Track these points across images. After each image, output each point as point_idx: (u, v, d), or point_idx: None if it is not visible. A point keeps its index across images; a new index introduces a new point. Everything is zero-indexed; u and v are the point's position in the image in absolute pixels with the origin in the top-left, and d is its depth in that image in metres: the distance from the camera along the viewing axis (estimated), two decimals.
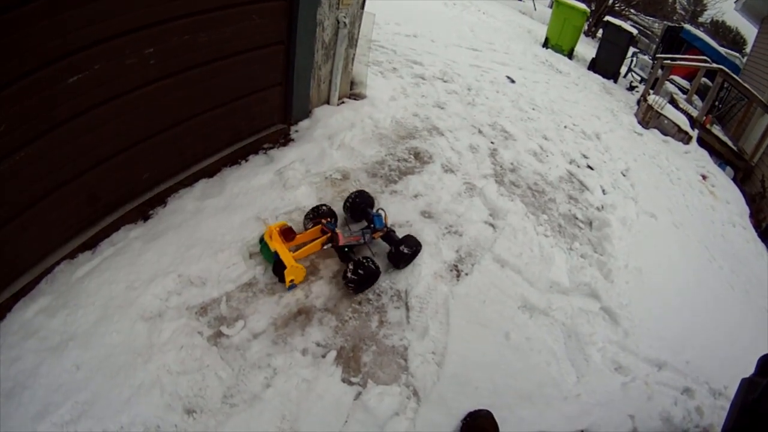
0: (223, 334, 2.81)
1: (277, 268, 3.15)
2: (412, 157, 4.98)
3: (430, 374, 2.95)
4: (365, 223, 3.77)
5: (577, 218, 5.05)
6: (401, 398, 2.79)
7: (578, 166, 6.26)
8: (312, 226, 3.51)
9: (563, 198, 5.33)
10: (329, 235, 3.42)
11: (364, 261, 3.25)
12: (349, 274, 3.21)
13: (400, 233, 3.72)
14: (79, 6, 2.46)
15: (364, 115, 5.29)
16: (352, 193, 3.81)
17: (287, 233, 3.25)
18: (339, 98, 5.32)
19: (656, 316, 4.11)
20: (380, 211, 3.71)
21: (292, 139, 4.62)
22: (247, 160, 4.23)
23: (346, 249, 3.44)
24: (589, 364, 3.44)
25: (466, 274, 3.74)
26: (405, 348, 3.06)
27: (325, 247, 3.43)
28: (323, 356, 2.86)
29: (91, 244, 3.10)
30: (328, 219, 3.56)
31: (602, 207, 5.41)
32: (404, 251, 3.52)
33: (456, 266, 3.79)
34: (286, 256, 3.09)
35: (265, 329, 2.91)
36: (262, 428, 2.46)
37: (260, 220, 3.60)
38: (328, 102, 5.23)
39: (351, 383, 2.78)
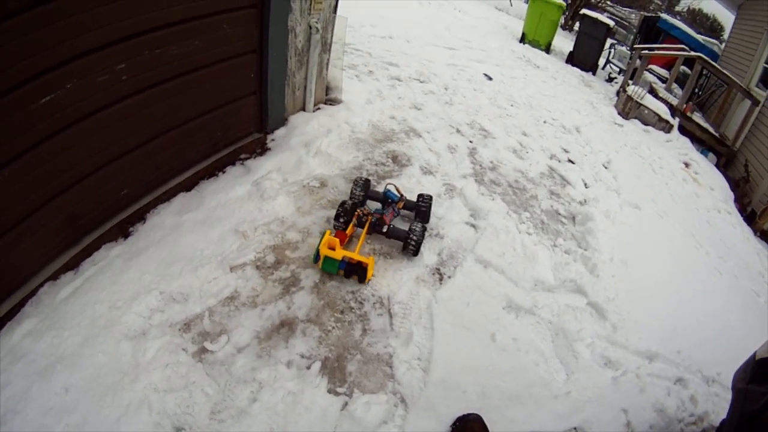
0: (207, 349, 2.78)
1: (352, 270, 3.36)
2: (390, 160, 4.98)
3: (416, 380, 2.92)
4: (379, 204, 4.13)
5: (559, 214, 5.03)
6: (388, 406, 2.76)
7: (559, 161, 6.26)
8: (352, 220, 3.77)
9: (545, 194, 5.32)
10: (370, 221, 3.75)
11: (415, 227, 3.72)
12: (412, 243, 3.66)
13: None
14: (47, 25, 2.42)
15: (341, 120, 5.30)
16: (359, 184, 4.06)
17: (339, 237, 3.44)
18: (315, 104, 5.31)
19: (645, 308, 4.08)
20: (389, 187, 4.09)
21: (269, 148, 4.61)
22: (224, 172, 4.21)
23: (392, 226, 3.77)
24: (578, 360, 3.41)
25: (449, 277, 3.71)
26: (390, 355, 3.04)
27: (371, 234, 3.83)
28: (308, 368, 2.82)
29: (73, 265, 3.08)
30: (364, 208, 3.82)
31: (585, 201, 5.40)
32: (425, 207, 4.07)
33: (438, 269, 3.76)
34: (358, 256, 3.36)
35: (248, 343, 2.88)
36: None
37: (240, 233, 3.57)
38: (303, 109, 5.21)
39: (337, 393, 2.75)
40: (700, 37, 16.61)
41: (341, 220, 3.71)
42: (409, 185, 4.58)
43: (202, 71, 3.63)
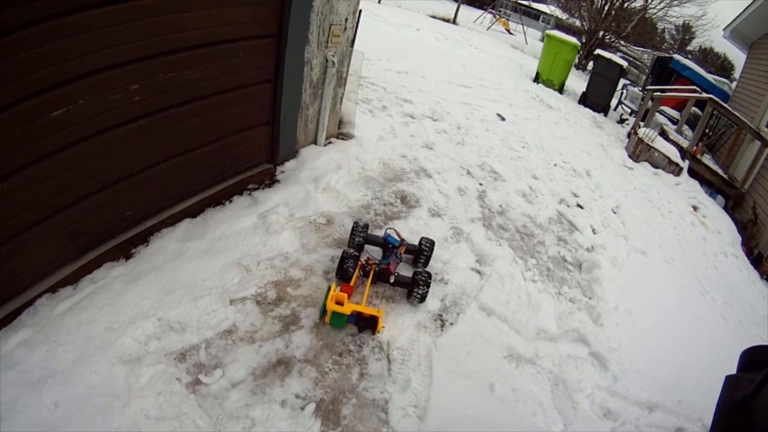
0: (201, 381, 2.78)
1: (364, 322, 3.32)
2: (398, 200, 5.00)
3: (411, 428, 2.90)
4: (379, 248, 4.07)
5: (566, 260, 5.05)
6: None
7: (568, 206, 6.29)
8: (356, 272, 3.66)
9: (552, 240, 5.34)
10: (373, 270, 3.69)
11: (421, 276, 3.68)
12: (420, 293, 3.66)
13: None
14: (64, 38, 2.49)
15: (352, 156, 5.31)
16: (357, 230, 3.99)
17: (345, 290, 3.39)
18: (327, 138, 5.35)
19: (647, 357, 4.07)
20: (389, 231, 4.03)
21: (278, 180, 4.63)
22: (231, 201, 4.24)
23: (397, 274, 3.75)
24: (577, 411, 3.41)
25: (451, 324, 3.71)
26: (386, 401, 3.01)
27: (375, 283, 3.76)
28: (302, 408, 2.81)
29: (73, 280, 3.11)
30: (368, 259, 3.78)
31: (592, 248, 5.42)
32: (426, 253, 4.08)
33: (441, 315, 3.77)
34: (366, 309, 3.30)
35: (244, 378, 2.88)
36: None
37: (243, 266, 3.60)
38: (315, 142, 5.25)
39: None
40: (711, 77, 16.67)
41: (348, 274, 3.65)
42: (416, 227, 4.60)
43: (216, 98, 3.71)
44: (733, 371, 4.16)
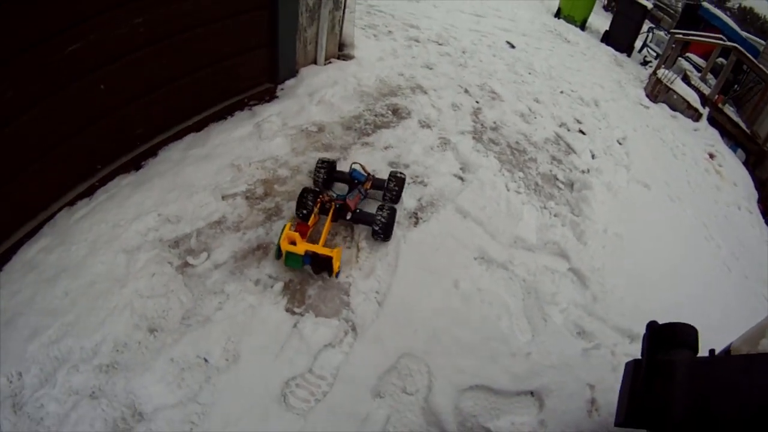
0: (189, 264, 3.10)
1: (318, 263, 3.11)
2: (389, 112, 5.05)
3: (370, 312, 3.07)
4: (346, 185, 3.79)
5: (557, 179, 4.90)
6: (338, 331, 2.93)
7: (568, 130, 6.07)
8: (315, 209, 3.42)
9: (546, 158, 5.19)
10: (333, 208, 3.41)
11: (383, 212, 3.40)
12: (379, 230, 3.37)
13: None
14: None
15: (349, 74, 5.44)
16: (319, 166, 3.75)
17: (300, 229, 3.21)
18: (326, 58, 5.50)
19: (634, 285, 3.92)
20: (354, 166, 3.77)
21: (277, 96, 4.86)
22: (232, 116, 4.51)
23: (358, 211, 3.51)
24: (548, 324, 3.32)
25: (424, 222, 3.73)
26: (349, 285, 3.20)
27: (336, 221, 3.51)
28: (272, 287, 3.06)
29: (89, 193, 3.43)
30: (329, 194, 3.53)
31: (588, 170, 5.23)
32: (395, 189, 3.74)
33: (416, 214, 3.81)
34: (322, 249, 3.09)
35: (226, 261, 3.18)
36: (209, 347, 2.70)
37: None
38: (315, 62, 5.43)
39: (294, 313, 2.96)
40: (743, 33, 16.06)
41: (304, 211, 3.45)
42: (403, 136, 4.63)
43: (215, 25, 3.95)
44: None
